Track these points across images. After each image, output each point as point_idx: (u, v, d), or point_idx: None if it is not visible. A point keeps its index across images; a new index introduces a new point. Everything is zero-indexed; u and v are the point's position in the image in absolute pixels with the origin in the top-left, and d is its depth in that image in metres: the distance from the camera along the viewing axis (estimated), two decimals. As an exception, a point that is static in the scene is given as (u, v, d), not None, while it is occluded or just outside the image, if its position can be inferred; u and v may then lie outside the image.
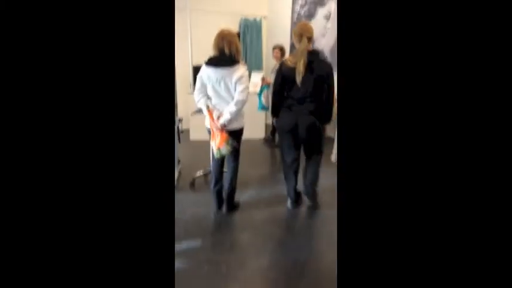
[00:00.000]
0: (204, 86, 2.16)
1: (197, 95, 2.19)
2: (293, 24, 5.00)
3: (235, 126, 2.18)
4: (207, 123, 2.20)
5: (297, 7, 4.88)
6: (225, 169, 2.42)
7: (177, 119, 2.97)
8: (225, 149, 2.12)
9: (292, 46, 4.98)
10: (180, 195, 2.71)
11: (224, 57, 2.02)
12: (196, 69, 4.69)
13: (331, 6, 4.39)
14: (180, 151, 3.51)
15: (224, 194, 2.42)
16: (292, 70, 2.06)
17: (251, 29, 5.26)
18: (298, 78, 2.05)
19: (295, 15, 4.93)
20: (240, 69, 2.04)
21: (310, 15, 4.72)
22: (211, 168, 2.41)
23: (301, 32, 2.04)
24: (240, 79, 2.03)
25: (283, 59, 2.17)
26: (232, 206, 2.47)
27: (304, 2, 4.76)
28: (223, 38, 2.00)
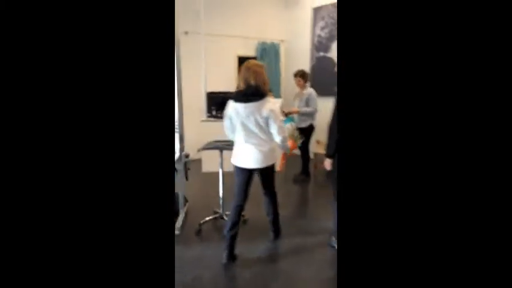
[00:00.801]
0: (233, 124, 2.03)
1: (229, 134, 2.13)
2: (313, 46, 4.67)
3: (269, 163, 2.06)
4: (234, 160, 2.09)
5: (317, 29, 4.56)
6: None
7: (183, 154, 2.60)
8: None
9: (313, 70, 4.62)
10: (182, 247, 2.28)
11: (251, 90, 1.91)
12: (209, 96, 4.44)
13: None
14: (188, 188, 3.13)
15: (270, 221, 2.34)
16: None
17: (269, 53, 4.98)
18: None
19: (316, 38, 4.61)
20: (269, 103, 1.92)
21: (332, 37, 4.38)
22: (231, 210, 2.12)
23: None
24: (271, 114, 1.91)
25: None
26: (279, 232, 2.38)
27: (324, 24, 4.45)
28: (248, 69, 1.91)
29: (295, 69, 3.74)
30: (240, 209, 2.11)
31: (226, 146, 2.50)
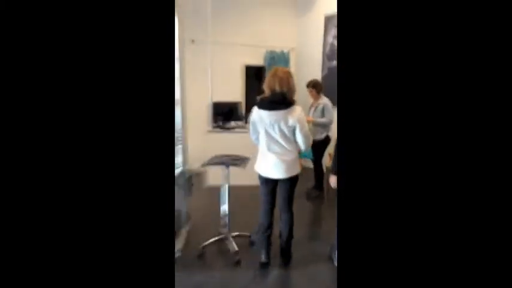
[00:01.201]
0: (257, 131, 1.97)
1: (254, 140, 2.07)
2: (325, 56, 4.48)
3: (293, 173, 1.95)
4: (257, 168, 2.01)
5: (330, 38, 4.38)
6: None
7: (186, 168, 2.39)
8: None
9: (325, 80, 4.42)
10: (181, 273, 2.05)
11: (276, 97, 1.84)
12: (216, 106, 4.25)
13: (371, 35, 3.84)
14: (192, 203, 2.91)
15: (282, 243, 2.12)
16: None
17: (278, 62, 4.81)
18: None
19: (328, 47, 4.43)
20: (296, 111, 1.85)
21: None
22: (261, 214, 2.10)
23: None
24: (297, 124, 1.85)
25: None
26: (290, 257, 2.16)
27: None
28: (274, 76, 1.85)
29: (306, 79, 3.55)
30: (270, 212, 2.08)
31: (232, 161, 2.29)
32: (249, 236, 2.43)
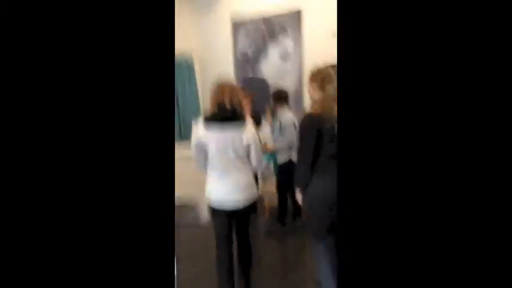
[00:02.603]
0: (204, 155, 1.68)
1: (201, 168, 1.74)
2: (237, 61, 4.07)
3: (251, 201, 1.72)
4: (209, 200, 1.71)
5: (240, 46, 4.01)
6: None
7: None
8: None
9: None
10: None
11: (226, 114, 1.60)
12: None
13: (287, 44, 3.75)
14: None
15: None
16: (325, 121, 1.56)
17: (180, 68, 4.01)
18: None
19: (240, 56, 4.04)
20: (249, 129, 1.66)
21: (261, 54, 3.93)
22: (216, 268, 1.79)
23: (324, 77, 1.65)
24: (252, 143, 1.65)
25: (309, 112, 1.60)
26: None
27: (250, 41, 3.95)
28: (223, 91, 1.62)
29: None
30: (228, 265, 1.73)
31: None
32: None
